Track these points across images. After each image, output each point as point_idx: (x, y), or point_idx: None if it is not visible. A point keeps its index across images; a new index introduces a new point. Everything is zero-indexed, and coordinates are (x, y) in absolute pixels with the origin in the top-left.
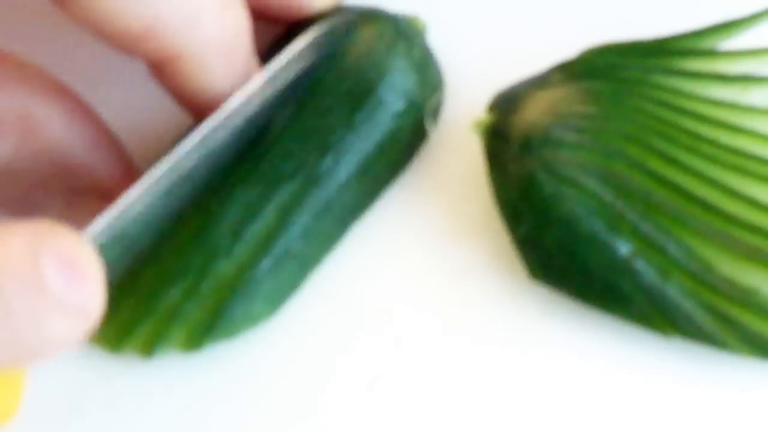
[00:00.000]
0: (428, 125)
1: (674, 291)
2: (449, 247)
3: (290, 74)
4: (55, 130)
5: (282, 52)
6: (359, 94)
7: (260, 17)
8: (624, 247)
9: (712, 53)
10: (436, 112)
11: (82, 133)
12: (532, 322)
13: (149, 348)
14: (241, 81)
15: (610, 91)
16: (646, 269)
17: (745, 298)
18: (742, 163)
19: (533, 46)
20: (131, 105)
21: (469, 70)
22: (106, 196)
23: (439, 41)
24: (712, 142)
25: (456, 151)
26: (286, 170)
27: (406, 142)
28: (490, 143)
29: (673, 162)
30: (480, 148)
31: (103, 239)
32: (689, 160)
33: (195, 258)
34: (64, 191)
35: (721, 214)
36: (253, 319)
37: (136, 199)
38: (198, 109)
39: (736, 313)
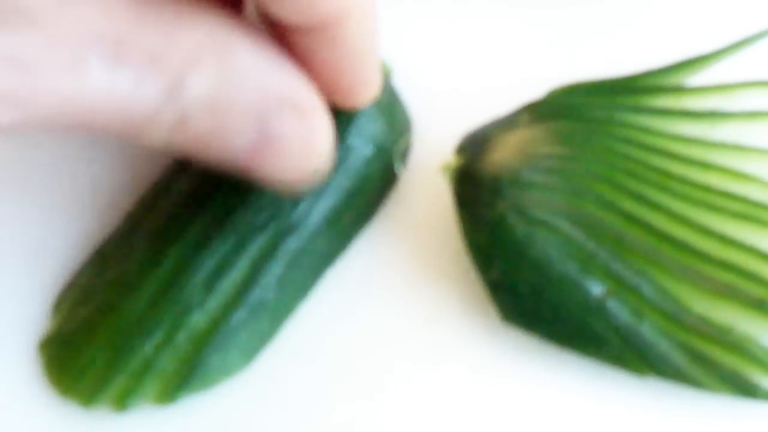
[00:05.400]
0: (398, 169)
1: (648, 331)
2: (420, 291)
3: None
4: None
5: None
6: None
7: None
8: (596, 288)
9: (679, 89)
10: (405, 156)
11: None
12: (505, 365)
13: (122, 402)
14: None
15: (579, 131)
16: (619, 310)
17: (720, 336)
18: (712, 199)
19: (500, 86)
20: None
21: (436, 112)
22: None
23: (405, 83)
24: (682, 180)
25: (425, 194)
26: (259, 221)
27: (377, 187)
28: (459, 186)
29: (643, 201)
30: (449, 191)
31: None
32: (659, 198)
33: (168, 310)
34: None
35: (692, 252)
36: (228, 371)
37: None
38: (335, 76)
39: (710, 351)
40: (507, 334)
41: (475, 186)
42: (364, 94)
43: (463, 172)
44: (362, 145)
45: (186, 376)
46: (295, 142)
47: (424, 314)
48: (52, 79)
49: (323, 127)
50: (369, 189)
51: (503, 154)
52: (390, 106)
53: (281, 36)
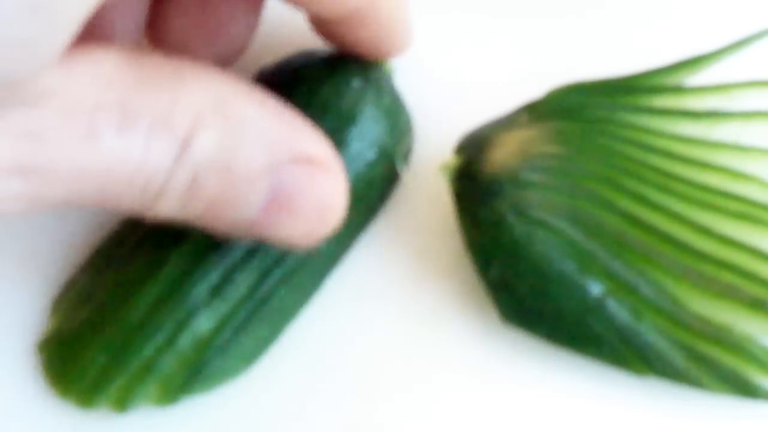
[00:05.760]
0: (400, 170)
1: (647, 330)
2: (420, 291)
3: None
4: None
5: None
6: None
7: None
8: (596, 288)
9: (679, 89)
10: (407, 157)
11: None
12: (504, 365)
13: (122, 403)
14: None
15: (578, 131)
16: (618, 309)
17: (719, 336)
18: (712, 199)
19: (499, 86)
20: None
21: (436, 112)
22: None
23: (406, 83)
24: (682, 180)
25: (425, 194)
26: None
27: (379, 189)
28: (459, 186)
29: (643, 200)
30: (449, 191)
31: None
32: (659, 198)
33: (171, 313)
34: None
35: (692, 252)
36: (230, 374)
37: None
38: (372, 46)
39: (709, 351)
40: (506, 334)
41: (475, 186)
42: (400, 49)
43: (462, 171)
44: (365, 149)
45: (188, 379)
46: (310, 198)
47: (424, 314)
48: (67, 149)
49: (338, 180)
50: (372, 191)
51: (503, 154)
52: (393, 109)
53: (318, 25)
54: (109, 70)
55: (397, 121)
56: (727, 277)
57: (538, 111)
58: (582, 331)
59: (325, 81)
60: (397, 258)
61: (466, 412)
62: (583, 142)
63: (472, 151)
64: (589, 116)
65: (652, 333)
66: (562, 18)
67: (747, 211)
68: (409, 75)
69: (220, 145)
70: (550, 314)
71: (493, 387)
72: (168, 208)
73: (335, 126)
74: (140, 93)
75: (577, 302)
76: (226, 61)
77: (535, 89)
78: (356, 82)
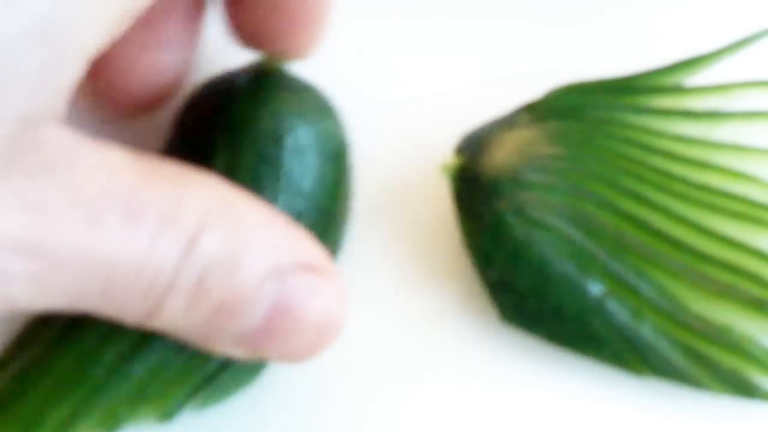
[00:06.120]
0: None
1: (647, 331)
2: (420, 291)
3: None
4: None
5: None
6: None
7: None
8: (595, 288)
9: (679, 90)
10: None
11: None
12: (504, 365)
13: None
14: None
15: (578, 131)
16: (618, 310)
17: (719, 336)
18: (712, 200)
19: (499, 86)
20: None
21: (436, 112)
22: None
23: (405, 83)
24: (682, 180)
25: (425, 194)
26: None
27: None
28: (459, 186)
29: (643, 201)
30: (449, 192)
31: None
32: (659, 199)
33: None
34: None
35: (692, 252)
36: (239, 385)
37: None
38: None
39: (709, 351)
40: (506, 334)
41: (475, 186)
42: (315, 39)
43: (462, 172)
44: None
45: (199, 390)
46: (314, 307)
47: (424, 314)
48: (72, 229)
49: (341, 291)
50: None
51: (503, 155)
52: (326, 131)
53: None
54: (115, 161)
55: (334, 150)
56: (727, 277)
57: (538, 111)
58: (582, 331)
59: (256, 109)
60: (396, 257)
61: (466, 412)
62: (583, 142)
63: (473, 151)
64: (589, 116)
65: (651, 333)
66: (562, 18)
67: (747, 211)
68: (409, 75)
69: (225, 246)
70: (550, 314)
71: (493, 387)
72: (175, 309)
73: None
74: (146, 188)
75: (577, 302)
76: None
77: (535, 89)
78: (285, 107)
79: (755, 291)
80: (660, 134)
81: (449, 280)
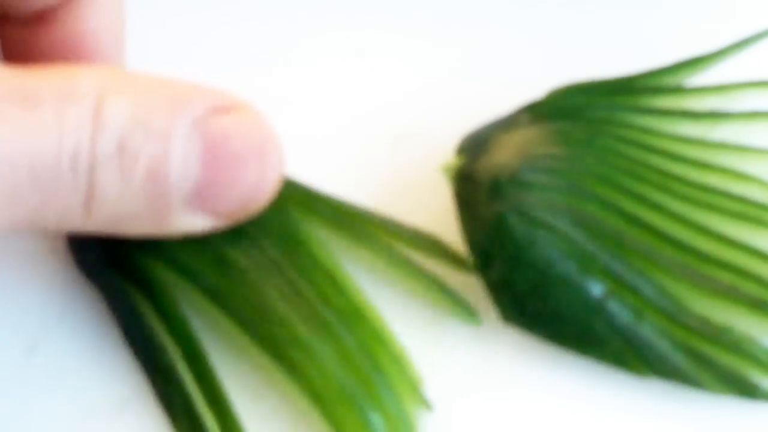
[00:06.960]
0: None
1: (648, 331)
2: (420, 291)
3: None
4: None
5: None
6: None
7: None
8: (596, 289)
9: (679, 90)
10: None
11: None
12: (505, 366)
13: None
14: None
15: (579, 132)
16: (619, 310)
17: (720, 336)
18: (712, 199)
19: (499, 87)
20: None
21: (436, 113)
22: None
23: (406, 83)
24: (683, 180)
25: (425, 194)
26: None
27: None
28: (460, 186)
29: (643, 201)
30: (450, 192)
31: None
32: (660, 199)
33: None
34: None
35: (693, 252)
36: None
37: None
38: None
39: (710, 351)
40: (506, 334)
41: (476, 186)
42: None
43: (463, 172)
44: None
45: None
46: (245, 139)
47: (424, 314)
48: None
49: (262, 119)
50: None
51: (503, 155)
52: None
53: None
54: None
55: None
56: (727, 277)
57: (538, 111)
58: (582, 332)
59: None
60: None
61: (466, 413)
62: (583, 142)
63: (473, 151)
64: (590, 117)
65: (653, 334)
66: (563, 18)
67: (747, 211)
68: (409, 75)
69: (135, 107)
70: (551, 314)
71: (494, 387)
72: (109, 186)
73: None
74: (35, 76)
75: (578, 303)
76: None
77: (535, 89)
78: None
79: (755, 291)
80: (660, 134)
81: (449, 279)
